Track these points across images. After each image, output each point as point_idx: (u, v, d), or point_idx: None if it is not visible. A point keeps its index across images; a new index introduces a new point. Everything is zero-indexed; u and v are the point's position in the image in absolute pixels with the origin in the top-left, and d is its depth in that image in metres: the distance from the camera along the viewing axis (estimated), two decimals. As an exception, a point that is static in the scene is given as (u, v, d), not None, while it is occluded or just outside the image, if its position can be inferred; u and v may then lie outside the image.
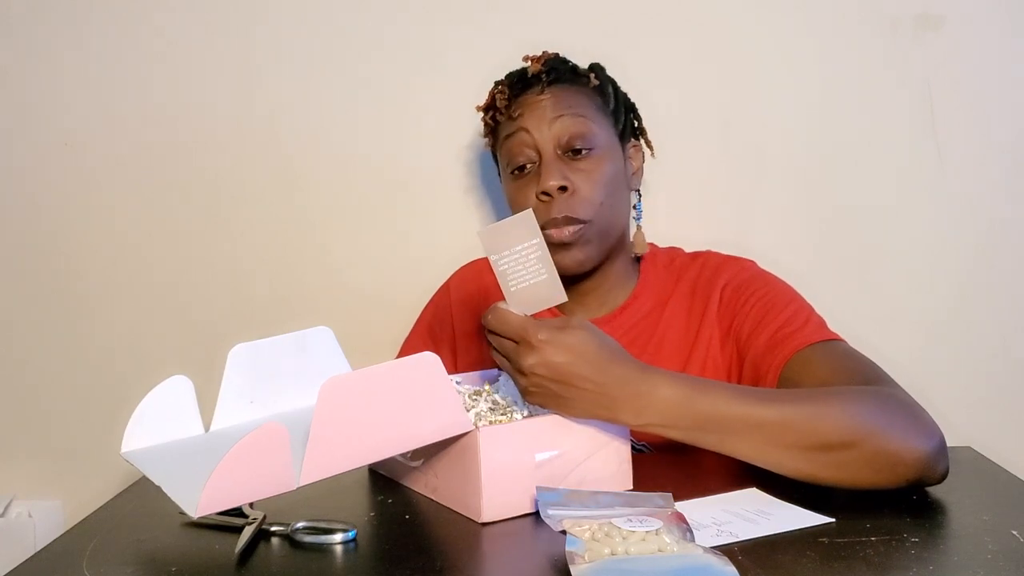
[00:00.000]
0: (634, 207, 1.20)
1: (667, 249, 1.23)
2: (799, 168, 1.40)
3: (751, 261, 1.17)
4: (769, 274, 1.14)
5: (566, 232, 1.09)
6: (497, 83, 1.19)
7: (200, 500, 0.72)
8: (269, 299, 1.47)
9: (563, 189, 1.09)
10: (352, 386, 0.78)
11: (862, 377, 0.95)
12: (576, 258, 1.11)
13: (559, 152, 1.11)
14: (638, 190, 1.22)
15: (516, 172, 1.14)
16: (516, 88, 1.15)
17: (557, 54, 1.19)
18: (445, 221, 1.44)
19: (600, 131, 1.13)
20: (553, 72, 1.15)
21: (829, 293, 1.34)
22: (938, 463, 0.88)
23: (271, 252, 1.47)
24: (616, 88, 1.20)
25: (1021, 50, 1.36)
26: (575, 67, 1.18)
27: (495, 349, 0.90)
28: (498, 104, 1.16)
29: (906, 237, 1.39)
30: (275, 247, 1.47)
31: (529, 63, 1.17)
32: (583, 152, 1.11)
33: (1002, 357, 1.37)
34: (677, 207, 1.40)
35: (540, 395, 0.87)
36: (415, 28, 1.43)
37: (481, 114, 1.21)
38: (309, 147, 1.46)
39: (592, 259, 1.13)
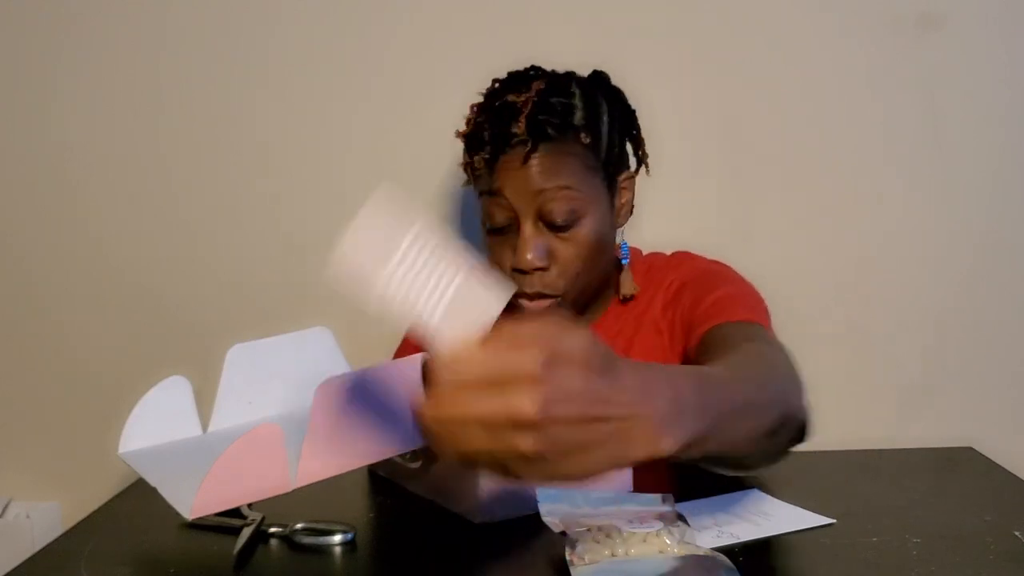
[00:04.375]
0: (619, 246, 1.13)
1: (648, 256, 1.19)
2: (799, 168, 1.40)
3: (684, 254, 1.15)
4: (715, 264, 1.11)
5: (537, 307, 1.04)
6: (476, 119, 1.07)
7: (194, 502, 0.72)
8: (268, 299, 1.46)
9: (540, 268, 1.02)
10: (348, 387, 0.78)
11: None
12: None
13: (539, 224, 1.02)
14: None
15: (493, 231, 1.06)
16: (496, 145, 1.02)
17: (545, 86, 1.04)
18: (446, 222, 1.44)
19: (587, 195, 1.03)
20: (538, 130, 1.00)
21: (830, 293, 1.34)
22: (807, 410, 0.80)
23: (270, 252, 1.47)
24: (612, 117, 1.07)
25: (1021, 50, 1.36)
26: (565, 113, 1.02)
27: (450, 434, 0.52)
28: (476, 165, 1.05)
29: (906, 237, 1.39)
30: (275, 247, 1.47)
31: (516, 102, 1.02)
32: (565, 227, 1.02)
33: (1003, 357, 1.37)
34: (676, 207, 1.39)
35: (557, 453, 0.51)
36: (413, 30, 1.43)
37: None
38: (309, 148, 1.45)
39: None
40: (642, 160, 1.13)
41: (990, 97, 1.36)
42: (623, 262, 1.12)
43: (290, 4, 1.45)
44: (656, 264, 1.16)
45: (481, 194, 1.06)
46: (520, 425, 0.50)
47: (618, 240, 1.12)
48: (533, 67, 1.09)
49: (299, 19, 1.44)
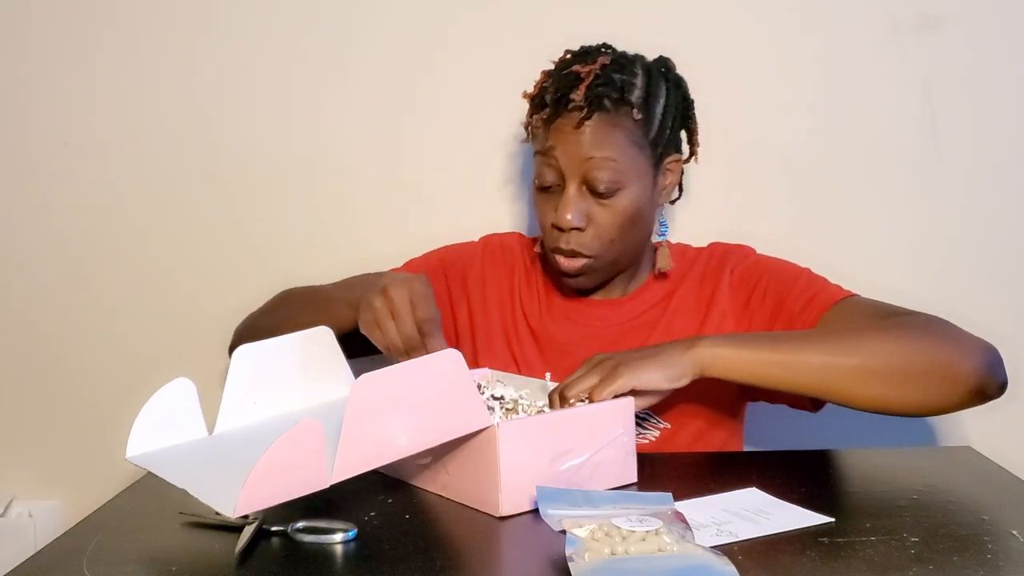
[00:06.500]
0: (660, 223, 1.21)
1: (677, 244, 1.26)
2: (798, 168, 1.40)
3: (750, 247, 1.22)
4: (767, 255, 1.21)
5: (571, 264, 1.13)
6: (543, 82, 1.15)
7: (239, 500, 0.72)
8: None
9: (577, 228, 1.11)
10: (385, 382, 0.79)
11: (902, 313, 1.06)
12: (579, 283, 1.16)
13: (583, 188, 1.11)
14: (674, 199, 1.23)
15: (541, 188, 1.14)
16: (555, 107, 1.11)
17: (609, 62, 1.11)
18: (449, 223, 1.44)
19: (630, 168, 1.11)
20: (596, 101, 1.09)
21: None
22: (995, 369, 0.98)
23: (272, 253, 1.47)
24: (669, 102, 1.14)
25: (1021, 50, 1.36)
26: (623, 88, 1.10)
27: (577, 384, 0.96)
28: (534, 124, 1.15)
29: (906, 237, 1.39)
30: (277, 248, 1.47)
31: (580, 71, 1.10)
32: (606, 195, 1.10)
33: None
34: (675, 205, 1.40)
35: (606, 373, 0.95)
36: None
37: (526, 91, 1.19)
38: (313, 149, 1.46)
39: (595, 284, 1.18)
40: (693, 150, 1.21)
41: (988, 97, 1.36)
42: (661, 238, 1.20)
43: (306, 12, 1.45)
44: (689, 252, 1.24)
45: (536, 153, 1.14)
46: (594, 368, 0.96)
47: (660, 220, 1.21)
48: (605, 44, 1.17)
49: (307, 23, 1.45)
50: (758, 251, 1.22)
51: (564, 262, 1.13)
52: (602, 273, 1.16)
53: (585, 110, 1.09)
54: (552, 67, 1.16)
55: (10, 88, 1.48)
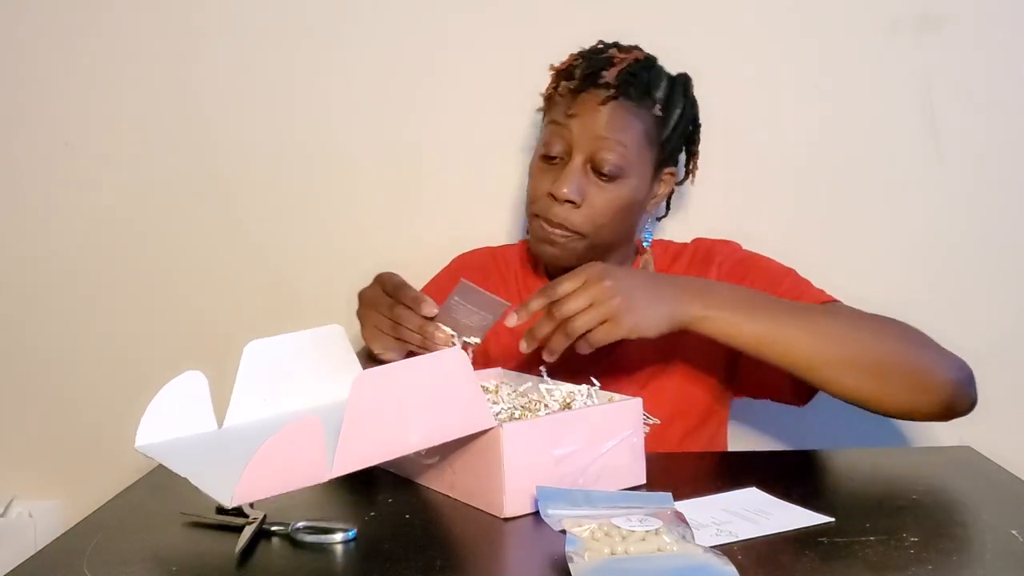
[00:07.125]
0: (645, 230, 1.23)
1: (659, 240, 1.28)
2: (798, 168, 1.40)
3: (736, 243, 1.23)
4: (754, 252, 1.22)
5: (554, 232, 1.13)
6: (574, 60, 1.18)
7: (236, 490, 0.72)
8: (274, 297, 1.47)
9: (571, 202, 1.12)
10: (385, 380, 0.79)
11: (881, 322, 1.06)
12: (553, 254, 1.15)
13: (587, 165, 1.12)
14: (661, 216, 1.27)
15: (546, 157, 1.16)
16: (585, 80, 1.14)
17: (643, 58, 1.17)
18: (449, 223, 1.45)
19: (636, 161, 1.13)
20: (624, 86, 1.12)
21: (829, 293, 1.34)
22: (968, 387, 1.01)
23: (272, 253, 1.47)
24: (684, 114, 1.18)
25: (1021, 50, 1.36)
26: (650, 84, 1.15)
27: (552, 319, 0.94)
28: (560, 92, 1.17)
29: (906, 237, 1.39)
30: (277, 248, 1.47)
31: (615, 56, 1.14)
32: (608, 177, 1.12)
33: (1001, 356, 1.37)
34: (675, 206, 1.40)
35: (611, 313, 0.93)
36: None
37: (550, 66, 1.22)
38: (313, 149, 1.46)
39: (569, 262, 1.15)
40: (690, 171, 1.24)
41: (988, 97, 1.36)
42: (645, 244, 1.23)
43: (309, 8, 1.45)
44: (671, 248, 1.26)
45: (550, 122, 1.16)
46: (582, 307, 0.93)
47: (647, 229, 1.23)
48: (636, 46, 1.20)
49: (310, 19, 1.45)
50: (758, 251, 1.22)
51: (548, 227, 1.13)
52: (579, 254, 1.14)
53: (613, 90, 1.11)
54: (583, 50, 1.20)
55: (10, 88, 1.48)
